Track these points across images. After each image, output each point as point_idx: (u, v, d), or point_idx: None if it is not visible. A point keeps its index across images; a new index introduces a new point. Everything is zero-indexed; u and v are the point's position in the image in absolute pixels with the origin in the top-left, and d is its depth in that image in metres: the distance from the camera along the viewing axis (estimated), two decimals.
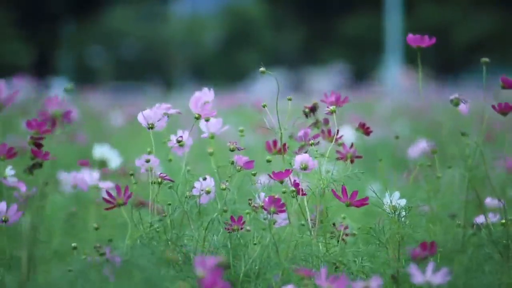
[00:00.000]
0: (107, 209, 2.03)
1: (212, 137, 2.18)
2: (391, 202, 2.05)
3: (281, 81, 2.10)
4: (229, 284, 1.60)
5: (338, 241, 2.07)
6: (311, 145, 2.08)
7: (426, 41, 2.20)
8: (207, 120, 2.16)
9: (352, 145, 2.18)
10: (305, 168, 2.04)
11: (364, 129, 2.23)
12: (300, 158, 2.05)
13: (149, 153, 2.07)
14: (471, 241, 2.05)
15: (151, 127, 2.08)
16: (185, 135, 2.12)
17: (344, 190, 2.02)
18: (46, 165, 2.05)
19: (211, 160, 2.16)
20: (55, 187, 2.83)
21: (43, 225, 2.02)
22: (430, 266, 1.74)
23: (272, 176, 2.02)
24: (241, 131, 2.23)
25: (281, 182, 2.03)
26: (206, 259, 1.63)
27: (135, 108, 8.75)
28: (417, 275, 1.74)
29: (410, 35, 2.21)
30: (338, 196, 2.01)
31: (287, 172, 2.02)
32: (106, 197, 2.02)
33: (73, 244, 2.06)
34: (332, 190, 2.02)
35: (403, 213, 2.04)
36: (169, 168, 2.24)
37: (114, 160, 2.84)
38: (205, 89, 2.16)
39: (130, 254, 1.88)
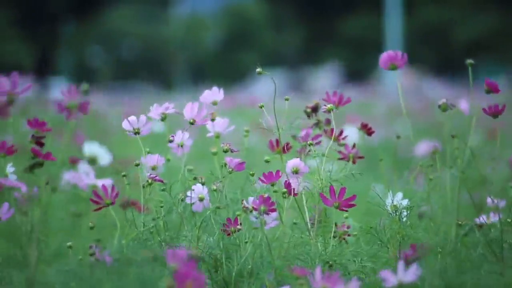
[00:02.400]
0: (95, 210, 2.03)
1: (217, 136, 2.17)
2: (392, 202, 2.05)
3: (281, 81, 2.09)
4: (202, 275, 1.59)
5: (340, 241, 2.07)
6: (310, 145, 2.08)
7: (399, 59, 2.16)
8: (213, 120, 2.15)
9: (354, 146, 2.18)
10: (296, 172, 2.04)
11: (366, 130, 2.23)
12: (292, 163, 2.05)
13: (149, 153, 2.07)
14: (463, 242, 2.06)
15: (136, 132, 2.07)
16: (185, 136, 2.11)
17: (332, 191, 1.98)
18: (46, 165, 2.05)
19: (215, 160, 2.16)
20: (54, 186, 2.83)
21: (43, 224, 2.02)
22: (400, 266, 1.74)
23: (263, 179, 2.02)
24: (247, 131, 2.23)
25: (273, 185, 2.03)
26: (177, 251, 1.63)
27: (135, 108, 8.75)
28: (388, 279, 1.73)
29: (383, 55, 2.17)
30: (325, 199, 1.98)
31: (277, 175, 2.02)
32: (94, 197, 2.02)
33: (68, 244, 2.06)
34: (321, 193, 2.00)
35: (404, 213, 2.04)
36: (170, 168, 2.24)
37: (104, 157, 2.84)
38: (215, 88, 2.15)
39: (124, 253, 1.89)
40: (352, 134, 2.25)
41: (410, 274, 1.73)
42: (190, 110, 2.10)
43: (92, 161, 2.82)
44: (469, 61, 2.13)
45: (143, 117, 2.07)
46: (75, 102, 2.00)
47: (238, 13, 28.44)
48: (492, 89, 2.11)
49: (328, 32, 28.18)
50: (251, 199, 2.01)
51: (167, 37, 27.84)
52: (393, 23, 20.70)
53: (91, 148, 2.84)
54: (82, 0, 28.42)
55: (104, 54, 28.55)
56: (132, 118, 2.07)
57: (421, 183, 2.35)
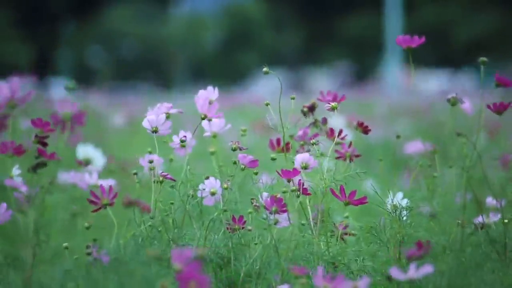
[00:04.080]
0: (93, 211, 2.02)
1: (214, 136, 2.18)
2: (392, 201, 2.05)
3: (281, 81, 2.10)
4: (207, 278, 1.57)
5: (339, 240, 2.07)
6: (312, 144, 2.08)
7: (416, 41, 2.18)
8: (209, 120, 2.16)
9: (351, 144, 2.17)
10: (305, 167, 2.04)
11: (363, 128, 2.21)
12: (301, 157, 2.04)
13: (150, 152, 2.07)
14: (469, 241, 2.06)
15: (155, 130, 2.09)
16: (188, 136, 2.11)
17: (342, 189, 2.01)
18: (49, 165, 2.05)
19: (213, 160, 2.16)
20: (55, 186, 2.83)
21: (43, 224, 2.02)
22: (412, 265, 1.76)
23: (281, 174, 2.01)
24: (244, 130, 2.23)
25: (289, 181, 2.02)
26: (183, 251, 1.60)
27: (135, 108, 8.76)
28: (398, 275, 1.76)
29: (400, 36, 2.19)
30: (336, 195, 2.01)
31: (296, 171, 2.02)
32: (91, 198, 2.01)
33: (64, 244, 2.05)
34: (331, 189, 2.01)
35: (404, 212, 2.04)
36: (170, 167, 2.24)
37: (98, 159, 2.84)
38: (210, 88, 2.17)
39: (126, 253, 1.88)
40: (339, 124, 2.25)
41: (421, 271, 1.75)
42: (202, 104, 2.12)
43: (86, 163, 2.81)
44: (482, 59, 2.11)
45: (162, 116, 2.09)
46: (69, 113, 2.00)
47: (238, 13, 28.43)
48: (503, 83, 2.10)
49: (328, 32, 28.18)
50: (265, 194, 2.01)
51: (167, 37, 27.84)
52: (393, 23, 20.69)
53: (85, 150, 2.84)
54: (82, 0, 28.41)
55: (104, 54, 28.55)
56: (151, 117, 2.08)
57: (421, 182, 2.35)
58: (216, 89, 2.16)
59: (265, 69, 2.06)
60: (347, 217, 2.17)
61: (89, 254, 1.96)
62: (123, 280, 1.75)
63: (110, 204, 2.01)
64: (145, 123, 2.08)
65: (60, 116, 2.00)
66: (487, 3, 26.78)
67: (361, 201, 2.01)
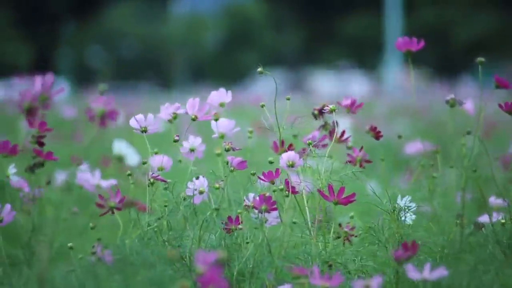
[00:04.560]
0: (101, 214, 2.01)
1: (222, 137, 2.16)
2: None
3: (281, 81, 2.09)
4: (227, 282, 1.58)
5: (343, 241, 2.07)
6: (309, 144, 2.08)
7: (415, 45, 2.17)
8: (216, 120, 2.14)
9: (361, 148, 2.16)
10: (291, 166, 2.02)
11: (375, 133, 2.21)
12: (287, 156, 2.03)
13: (156, 153, 2.06)
14: (469, 241, 2.05)
15: (143, 130, 2.06)
16: (198, 141, 2.10)
17: (331, 189, 1.99)
18: (47, 165, 2.05)
19: (219, 161, 2.15)
20: (55, 186, 2.83)
21: (53, 223, 2.02)
22: (427, 266, 1.75)
23: (261, 178, 2.02)
24: (251, 132, 2.22)
25: (272, 183, 2.02)
26: (207, 255, 1.62)
27: (135, 107, 8.75)
28: (413, 273, 1.75)
29: (399, 39, 2.18)
30: (324, 195, 1.99)
31: (277, 172, 2.01)
32: (99, 201, 2.01)
33: (69, 244, 2.05)
34: (318, 189, 2.00)
35: (403, 212, 2.04)
36: (175, 168, 2.24)
37: (132, 157, 2.82)
38: (222, 89, 2.13)
39: (129, 253, 1.88)
40: (344, 126, 2.24)
41: (435, 273, 1.75)
42: (191, 106, 2.09)
43: (120, 160, 2.78)
44: (480, 59, 2.11)
45: (150, 116, 2.07)
46: (103, 109, 2.00)
47: (238, 13, 28.44)
48: (502, 85, 2.09)
49: (328, 32, 28.18)
50: (251, 195, 2.01)
51: (167, 37, 27.85)
52: (393, 23, 20.70)
53: (119, 147, 2.81)
54: (82, 0, 28.41)
55: (104, 54, 28.55)
56: (139, 116, 2.06)
57: (422, 183, 2.35)
58: (229, 92, 2.13)
59: (259, 69, 2.05)
60: (352, 217, 2.17)
61: (93, 253, 1.97)
62: (128, 281, 1.75)
63: (118, 209, 2.00)
64: (133, 122, 2.06)
65: (94, 112, 2.00)
66: (487, 3, 26.79)
67: (349, 200, 1.99)
